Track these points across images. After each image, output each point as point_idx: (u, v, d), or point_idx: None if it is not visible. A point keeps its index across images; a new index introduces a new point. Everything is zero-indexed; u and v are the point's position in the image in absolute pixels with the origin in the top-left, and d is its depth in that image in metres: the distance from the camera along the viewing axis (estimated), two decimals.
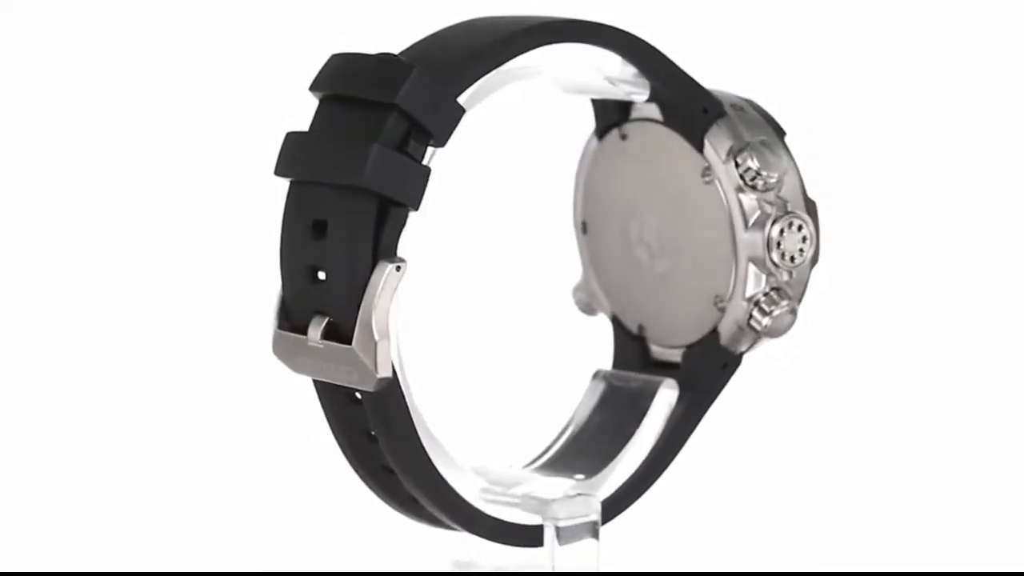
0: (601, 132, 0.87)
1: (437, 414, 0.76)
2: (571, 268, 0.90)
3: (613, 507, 0.82)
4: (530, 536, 0.79)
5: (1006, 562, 0.88)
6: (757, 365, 0.85)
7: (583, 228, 0.89)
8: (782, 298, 0.82)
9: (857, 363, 1.08)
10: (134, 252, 1.14)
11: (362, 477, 0.77)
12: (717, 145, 0.81)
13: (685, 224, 0.84)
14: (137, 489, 0.97)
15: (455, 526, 0.78)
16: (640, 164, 0.85)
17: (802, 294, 0.83)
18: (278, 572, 0.86)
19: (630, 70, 0.80)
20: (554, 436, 0.87)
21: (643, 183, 0.85)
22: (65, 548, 0.90)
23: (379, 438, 0.74)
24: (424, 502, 0.76)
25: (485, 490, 0.79)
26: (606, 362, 0.89)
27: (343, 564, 0.86)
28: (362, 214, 0.71)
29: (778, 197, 0.81)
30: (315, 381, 0.75)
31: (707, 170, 0.82)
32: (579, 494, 0.80)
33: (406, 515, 0.79)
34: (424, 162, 0.72)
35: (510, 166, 1.03)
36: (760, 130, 0.82)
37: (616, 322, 0.89)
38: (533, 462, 0.85)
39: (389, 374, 0.71)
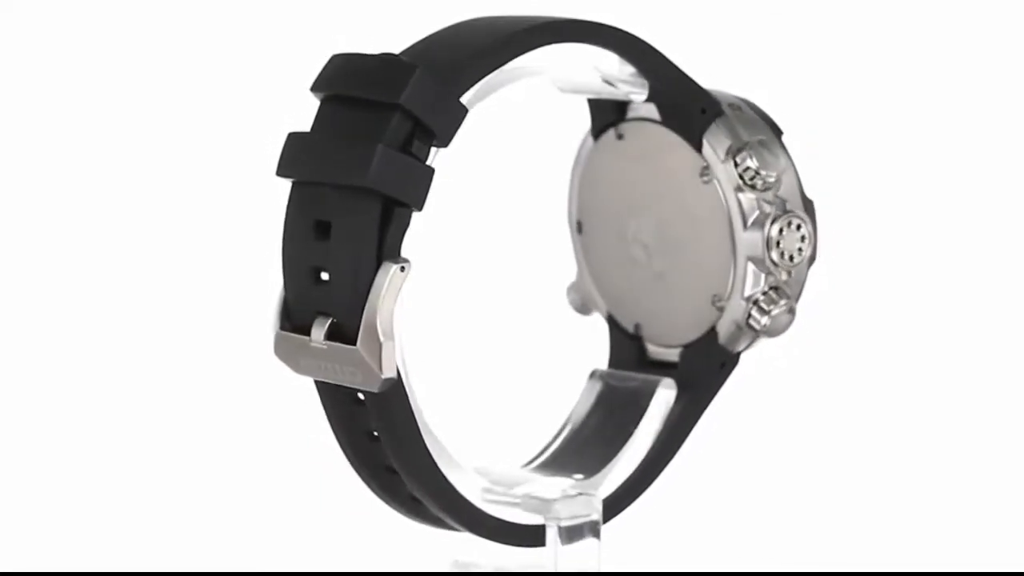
0: (597, 132, 0.87)
1: (432, 414, 0.76)
2: (566, 267, 0.90)
3: (612, 506, 0.82)
4: (532, 536, 0.79)
5: (1006, 562, 0.88)
6: (754, 364, 0.85)
7: (578, 227, 0.89)
8: (781, 297, 0.82)
9: (854, 361, 1.08)
10: (135, 253, 1.14)
11: (363, 478, 0.77)
12: (716, 145, 0.82)
13: (683, 223, 0.84)
14: (138, 489, 0.97)
15: (457, 526, 0.78)
16: (637, 164, 0.85)
17: (799, 293, 0.83)
18: (278, 572, 0.86)
19: (628, 70, 0.80)
20: (551, 436, 0.87)
21: (641, 183, 0.85)
22: (65, 548, 0.90)
23: (382, 439, 0.74)
24: (427, 503, 0.76)
25: (486, 490, 0.79)
26: (601, 362, 0.89)
27: (343, 564, 0.86)
28: (366, 215, 0.71)
29: (777, 196, 0.81)
30: (317, 382, 0.75)
31: (705, 169, 0.82)
32: (580, 493, 0.80)
33: (407, 515, 0.79)
34: (427, 162, 0.72)
35: (503, 166, 1.03)
36: (758, 129, 0.82)
37: (612, 321, 0.89)
38: (531, 462, 0.85)
39: (394, 375, 0.71)
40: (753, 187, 0.81)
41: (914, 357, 1.09)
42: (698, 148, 0.82)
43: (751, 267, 0.81)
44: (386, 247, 0.71)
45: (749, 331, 0.83)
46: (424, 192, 0.71)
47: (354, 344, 0.71)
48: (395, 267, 0.70)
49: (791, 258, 0.81)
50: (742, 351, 0.84)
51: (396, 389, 0.72)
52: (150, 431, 1.03)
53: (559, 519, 0.78)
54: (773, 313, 0.82)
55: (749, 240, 0.81)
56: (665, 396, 0.85)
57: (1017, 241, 1.14)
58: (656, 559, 0.86)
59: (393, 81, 0.71)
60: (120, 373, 1.08)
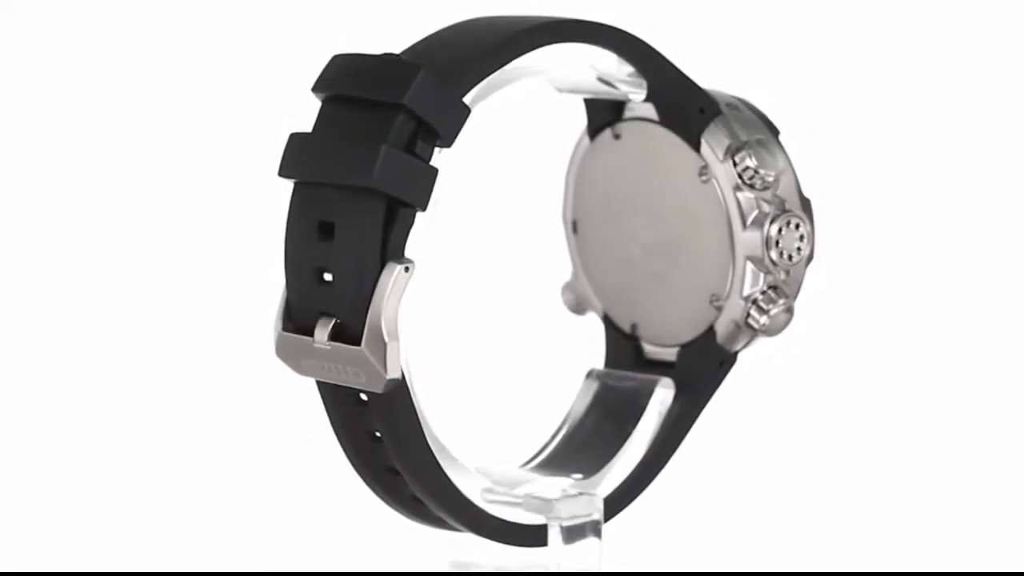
0: (593, 132, 0.87)
1: (431, 414, 0.76)
2: (561, 267, 0.90)
3: (612, 506, 0.82)
4: (533, 536, 0.79)
5: (1006, 562, 0.88)
6: (752, 363, 0.85)
7: (574, 227, 0.89)
8: (779, 296, 0.82)
9: (852, 360, 1.09)
10: (136, 254, 1.14)
11: (364, 478, 0.77)
12: (714, 144, 0.82)
13: (681, 223, 0.84)
14: (138, 490, 0.96)
15: (458, 527, 0.78)
16: (635, 163, 0.85)
17: (797, 292, 0.83)
18: (278, 572, 0.86)
19: (627, 69, 0.80)
20: (548, 436, 0.87)
21: (638, 182, 0.85)
22: (65, 548, 0.90)
23: (385, 439, 0.74)
24: (429, 503, 0.76)
25: (488, 490, 0.78)
26: (597, 361, 0.89)
27: (343, 564, 0.86)
28: (370, 215, 0.71)
29: (775, 196, 0.82)
30: (318, 383, 0.75)
31: (704, 169, 0.82)
32: (581, 493, 0.80)
33: (408, 516, 0.78)
34: (430, 162, 0.72)
35: (498, 165, 1.03)
36: (756, 129, 0.83)
37: (607, 321, 0.89)
38: (529, 462, 0.85)
39: (398, 375, 0.71)
40: (752, 186, 0.81)
41: (912, 356, 1.09)
42: (696, 148, 0.82)
43: (750, 266, 0.82)
44: (390, 247, 0.71)
45: (747, 330, 0.83)
46: (428, 192, 0.71)
47: (358, 345, 0.71)
48: (399, 267, 0.70)
49: (790, 257, 0.82)
50: (740, 350, 0.84)
51: (400, 389, 0.72)
52: (152, 431, 1.03)
53: (561, 519, 0.78)
54: (772, 312, 0.82)
55: (748, 239, 0.81)
56: (663, 396, 0.85)
57: (1016, 240, 1.14)
58: (656, 559, 0.86)
59: (396, 81, 0.71)
60: (122, 374, 1.08)
